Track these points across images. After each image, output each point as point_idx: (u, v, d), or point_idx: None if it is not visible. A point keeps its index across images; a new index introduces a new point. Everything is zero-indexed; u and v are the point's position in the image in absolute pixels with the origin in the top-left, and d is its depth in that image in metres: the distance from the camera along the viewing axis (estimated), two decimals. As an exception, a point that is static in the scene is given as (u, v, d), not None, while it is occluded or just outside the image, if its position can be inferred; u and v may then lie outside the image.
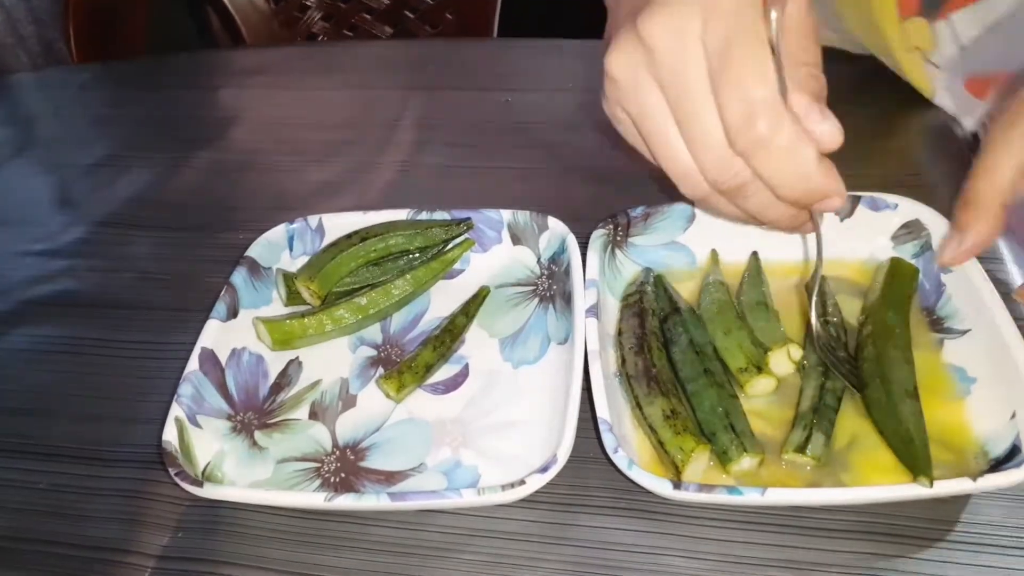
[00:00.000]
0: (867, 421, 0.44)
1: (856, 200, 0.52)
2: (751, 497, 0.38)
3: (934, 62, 0.65)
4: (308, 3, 1.14)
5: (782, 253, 0.52)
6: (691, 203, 0.48)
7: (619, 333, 0.48)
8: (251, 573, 0.42)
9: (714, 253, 0.53)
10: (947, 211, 0.47)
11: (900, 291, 0.49)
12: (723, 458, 0.42)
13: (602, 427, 0.41)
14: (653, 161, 0.41)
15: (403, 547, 0.43)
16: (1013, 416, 0.41)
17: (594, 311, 0.47)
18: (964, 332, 0.46)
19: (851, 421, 0.44)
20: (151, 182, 0.70)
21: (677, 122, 0.38)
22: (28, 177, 0.74)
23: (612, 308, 0.50)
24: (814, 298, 0.45)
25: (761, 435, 0.44)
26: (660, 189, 0.50)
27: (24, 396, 0.53)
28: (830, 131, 0.37)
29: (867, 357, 0.45)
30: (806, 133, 0.36)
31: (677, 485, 0.39)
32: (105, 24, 1.06)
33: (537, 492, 0.40)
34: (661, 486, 0.39)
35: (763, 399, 0.46)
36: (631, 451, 0.42)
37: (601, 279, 0.50)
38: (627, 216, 0.53)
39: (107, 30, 1.07)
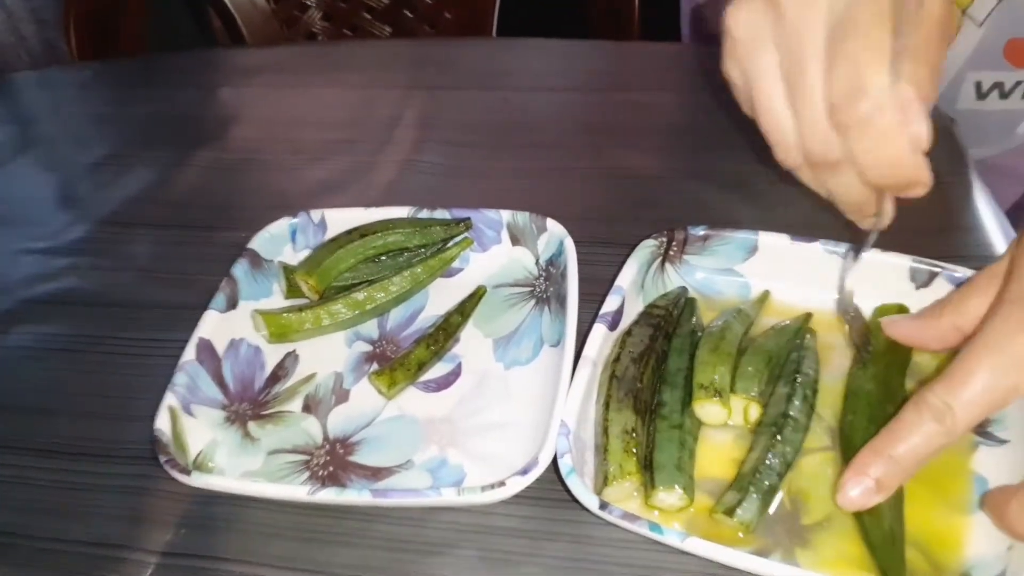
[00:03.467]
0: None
1: (934, 274, 0.48)
2: (670, 538, 0.38)
3: (973, 17, 0.64)
4: (308, 2, 1.14)
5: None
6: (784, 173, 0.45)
7: (628, 333, 0.48)
8: (253, 569, 0.43)
9: (767, 293, 0.52)
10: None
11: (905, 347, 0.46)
12: (650, 489, 0.41)
13: (560, 430, 0.42)
14: (759, 125, 0.41)
15: (404, 543, 0.43)
16: (1010, 547, 0.38)
17: (607, 318, 0.47)
18: (1003, 442, 0.43)
19: (831, 499, 0.41)
20: (152, 181, 0.71)
21: (787, 88, 0.38)
22: (29, 176, 0.74)
23: (636, 311, 0.50)
24: (852, 271, 0.46)
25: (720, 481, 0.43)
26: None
27: (26, 394, 0.53)
28: (923, 134, 0.36)
29: (854, 411, 0.44)
30: (904, 123, 0.36)
31: (604, 506, 0.39)
32: (106, 23, 1.07)
33: (534, 489, 0.41)
34: (589, 501, 0.39)
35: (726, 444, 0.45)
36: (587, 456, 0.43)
37: (633, 289, 0.49)
38: (685, 232, 0.52)
39: (108, 29, 1.07)
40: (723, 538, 0.40)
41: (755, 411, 0.45)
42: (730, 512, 0.40)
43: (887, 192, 0.40)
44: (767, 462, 0.42)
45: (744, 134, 0.48)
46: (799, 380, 0.45)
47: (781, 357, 0.47)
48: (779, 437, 0.43)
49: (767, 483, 0.41)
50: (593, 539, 0.42)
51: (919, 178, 0.38)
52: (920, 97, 0.36)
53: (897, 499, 0.40)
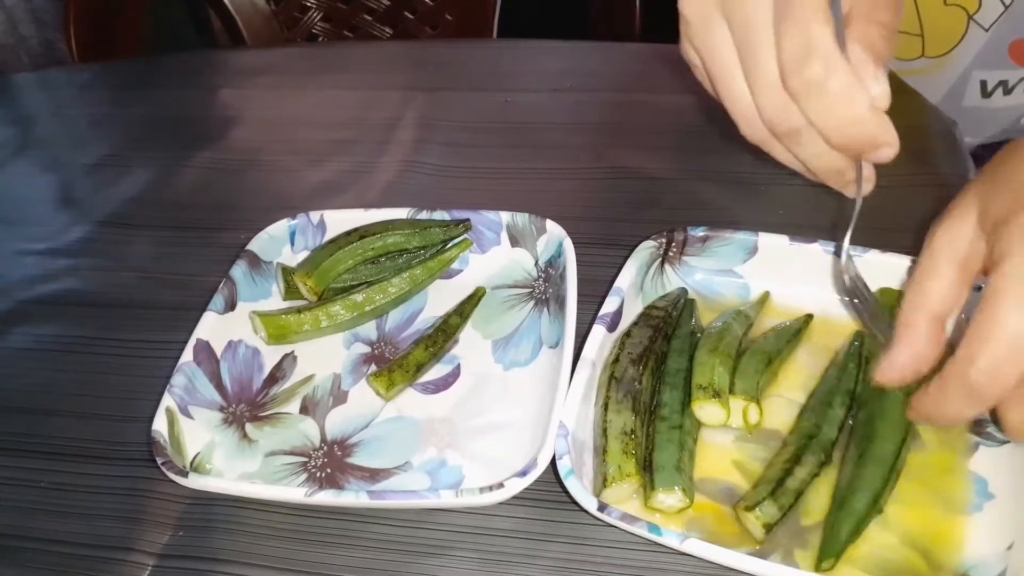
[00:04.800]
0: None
1: None
2: (669, 540, 0.37)
3: (980, 23, 0.64)
4: (308, 4, 1.14)
5: (840, 311, 0.50)
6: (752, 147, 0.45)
7: (627, 334, 0.48)
8: (251, 571, 0.42)
9: (767, 295, 0.51)
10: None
11: None
12: (650, 490, 0.41)
13: (559, 431, 0.41)
14: (721, 102, 0.41)
15: (402, 544, 0.43)
16: (1010, 547, 0.38)
17: (606, 320, 0.47)
18: (1003, 442, 0.42)
19: (827, 500, 0.42)
20: (152, 182, 0.71)
21: (740, 60, 0.38)
22: (29, 176, 0.74)
23: (635, 312, 0.50)
24: (848, 237, 0.44)
25: (731, 485, 0.43)
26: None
27: (25, 395, 0.53)
28: (881, 92, 0.37)
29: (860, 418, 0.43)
30: (861, 84, 0.36)
31: (603, 507, 0.39)
32: (105, 24, 1.06)
33: (533, 490, 0.40)
34: (588, 503, 0.39)
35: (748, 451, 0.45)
36: (586, 458, 0.43)
37: (633, 290, 0.49)
38: (685, 233, 0.51)
39: (107, 30, 1.07)
40: (722, 539, 0.40)
41: (754, 412, 0.44)
42: (751, 508, 0.40)
43: (856, 155, 0.39)
44: (797, 471, 0.42)
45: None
46: (847, 400, 0.45)
47: (782, 358, 0.47)
48: (808, 447, 0.43)
49: (792, 488, 0.41)
50: (592, 540, 0.42)
51: (883, 138, 0.37)
52: (874, 57, 0.37)
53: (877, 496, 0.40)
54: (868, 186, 0.42)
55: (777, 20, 0.36)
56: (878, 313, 0.45)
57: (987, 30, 0.65)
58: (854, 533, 0.39)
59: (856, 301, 0.46)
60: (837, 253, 0.47)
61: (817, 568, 0.39)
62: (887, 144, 0.38)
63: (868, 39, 0.38)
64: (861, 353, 0.47)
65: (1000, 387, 0.33)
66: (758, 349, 0.47)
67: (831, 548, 0.39)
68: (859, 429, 0.43)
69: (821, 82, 0.36)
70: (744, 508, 0.40)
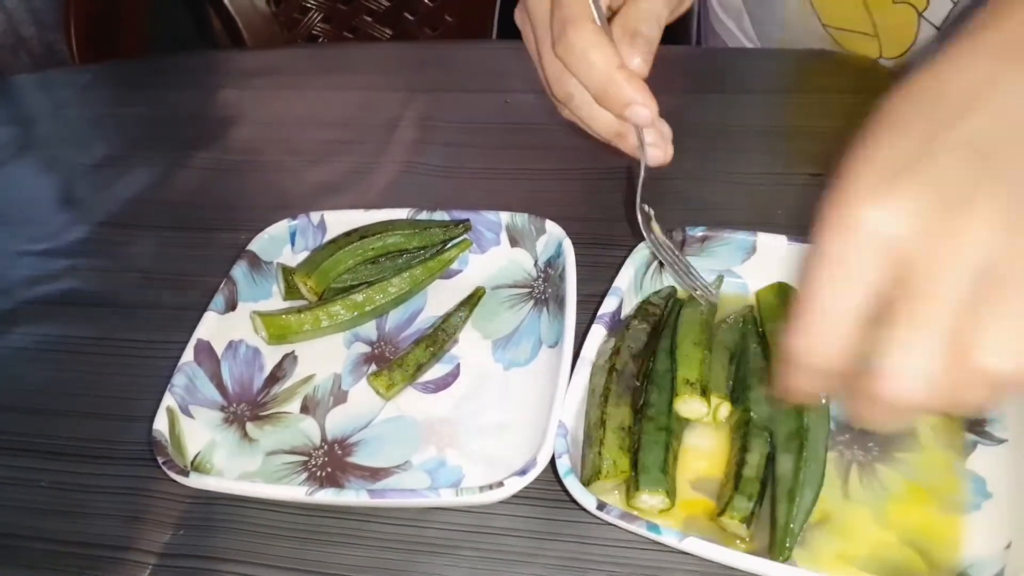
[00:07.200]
0: (848, 503, 0.42)
1: None
2: (668, 538, 0.38)
3: (930, 20, 0.64)
4: (308, 5, 1.14)
5: None
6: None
7: (627, 327, 0.48)
8: (252, 569, 0.43)
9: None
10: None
11: None
12: (634, 491, 0.41)
13: (558, 431, 0.42)
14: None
15: (403, 543, 0.43)
16: (1008, 546, 0.38)
17: (606, 319, 0.47)
18: (1001, 441, 0.43)
19: (829, 499, 0.42)
20: (152, 182, 0.71)
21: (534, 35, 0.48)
22: (29, 177, 0.74)
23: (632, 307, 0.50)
24: (638, 198, 0.48)
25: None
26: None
27: (25, 395, 0.53)
28: (638, 62, 0.44)
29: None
30: (612, 47, 0.43)
31: (602, 506, 0.39)
32: (106, 25, 1.07)
33: (533, 489, 0.41)
34: (587, 501, 0.39)
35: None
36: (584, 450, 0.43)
37: (631, 290, 0.50)
38: (683, 233, 0.52)
39: (108, 31, 1.07)
40: (721, 538, 0.40)
41: (724, 412, 0.45)
42: (723, 512, 0.40)
43: (619, 114, 0.44)
44: (749, 459, 0.42)
45: (744, 135, 0.48)
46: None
47: (741, 352, 0.48)
48: (751, 437, 0.43)
49: (752, 487, 0.41)
50: (591, 539, 0.42)
51: (636, 97, 0.43)
52: (632, 35, 0.44)
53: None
54: (659, 153, 0.47)
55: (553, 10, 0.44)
56: (688, 271, 0.49)
57: (939, 28, 0.65)
58: (803, 523, 0.40)
59: (666, 263, 0.49)
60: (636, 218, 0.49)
61: (775, 557, 0.39)
62: (638, 103, 0.43)
63: (627, 21, 0.45)
64: (744, 323, 0.49)
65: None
66: (720, 344, 0.47)
67: (788, 543, 0.39)
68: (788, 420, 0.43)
69: (573, 44, 0.43)
70: (719, 516, 0.41)
